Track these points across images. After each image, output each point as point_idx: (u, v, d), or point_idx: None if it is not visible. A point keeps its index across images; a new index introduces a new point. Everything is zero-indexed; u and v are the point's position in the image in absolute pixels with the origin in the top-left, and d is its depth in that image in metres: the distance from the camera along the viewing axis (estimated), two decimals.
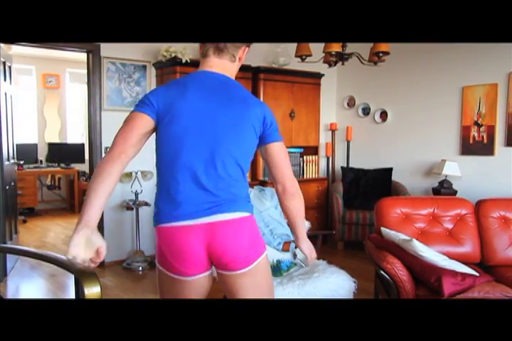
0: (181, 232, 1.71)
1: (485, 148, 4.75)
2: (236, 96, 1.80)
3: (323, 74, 5.53)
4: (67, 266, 1.47)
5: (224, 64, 1.85)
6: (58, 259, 1.55)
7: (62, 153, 7.76)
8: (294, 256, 3.16)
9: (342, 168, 5.77)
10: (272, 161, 1.87)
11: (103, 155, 4.54)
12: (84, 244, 1.48)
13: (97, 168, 1.63)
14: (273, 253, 3.10)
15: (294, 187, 1.90)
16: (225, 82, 1.83)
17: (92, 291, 1.32)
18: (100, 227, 4.62)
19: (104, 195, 1.58)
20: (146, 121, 1.72)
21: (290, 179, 1.89)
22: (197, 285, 1.79)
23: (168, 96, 1.76)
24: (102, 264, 4.62)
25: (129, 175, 4.50)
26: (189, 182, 1.72)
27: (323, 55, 3.79)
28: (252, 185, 4.21)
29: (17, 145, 4.96)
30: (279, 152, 1.86)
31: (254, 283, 1.79)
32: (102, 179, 1.59)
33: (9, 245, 3.91)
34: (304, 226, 2.05)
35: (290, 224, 2.03)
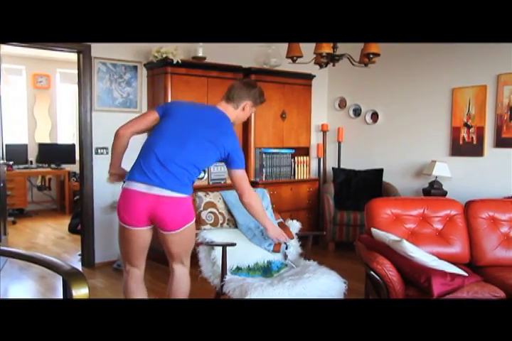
0: (137, 195, 2.48)
1: (474, 149, 4.79)
2: (220, 129, 2.62)
3: (315, 76, 5.54)
4: (54, 267, 1.46)
5: (228, 108, 2.71)
6: (46, 260, 1.53)
7: (53, 153, 7.71)
8: (285, 256, 3.16)
9: (333, 168, 5.78)
10: (233, 181, 2.71)
11: (94, 155, 4.54)
12: (113, 174, 2.76)
13: (113, 141, 2.64)
14: (264, 254, 3.10)
15: (248, 199, 2.69)
16: (219, 117, 2.67)
17: (80, 293, 1.32)
18: (90, 228, 4.60)
19: (119, 155, 2.69)
20: (153, 115, 2.65)
21: (246, 194, 2.68)
22: (138, 233, 2.56)
23: (176, 106, 2.70)
24: (92, 265, 4.60)
25: None
26: (156, 161, 2.49)
27: (314, 56, 3.80)
28: None
29: (6, 145, 4.94)
30: (238, 176, 2.67)
31: (180, 239, 2.60)
32: (115, 148, 2.66)
33: None
34: (266, 220, 2.83)
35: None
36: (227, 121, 2.69)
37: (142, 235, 2.57)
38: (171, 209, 2.47)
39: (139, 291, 2.69)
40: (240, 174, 2.67)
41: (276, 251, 3.14)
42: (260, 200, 2.84)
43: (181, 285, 2.74)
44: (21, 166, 7.35)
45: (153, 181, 2.46)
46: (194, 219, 2.65)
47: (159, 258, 3.76)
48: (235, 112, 2.72)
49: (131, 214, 2.49)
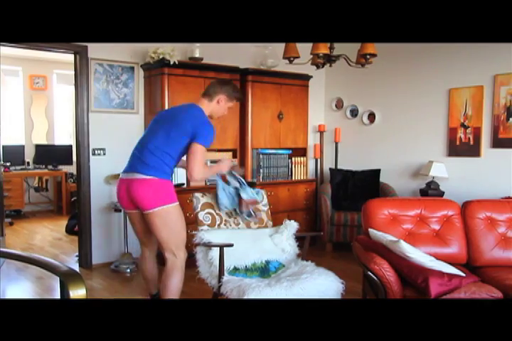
0: (120, 183, 3.03)
1: (471, 149, 4.80)
2: (187, 115, 2.96)
3: (312, 76, 5.55)
4: (52, 268, 1.46)
5: (204, 102, 3.07)
6: (43, 261, 1.53)
7: (50, 154, 7.69)
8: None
9: (330, 169, 5.79)
10: (187, 153, 2.90)
11: (91, 156, 4.53)
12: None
13: None
14: (262, 255, 3.10)
15: (194, 180, 2.96)
16: (190, 107, 3.04)
17: (78, 294, 1.31)
18: (88, 229, 4.59)
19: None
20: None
21: (193, 173, 2.85)
22: (132, 215, 3.10)
23: (159, 112, 3.35)
24: (89, 266, 4.59)
25: (117, 176, 4.47)
26: (134, 155, 3.02)
27: (311, 57, 3.80)
28: None
29: (3, 146, 4.92)
30: (193, 150, 2.86)
31: (159, 221, 2.91)
32: None
33: None
34: (214, 170, 3.17)
35: None
36: (199, 110, 2.99)
37: (136, 217, 3.07)
38: (140, 188, 2.87)
39: (148, 269, 3.23)
40: (195, 147, 2.86)
41: (225, 181, 3.21)
42: (203, 171, 2.93)
43: (170, 275, 2.96)
44: (18, 167, 7.33)
45: (131, 168, 2.97)
46: (174, 204, 2.94)
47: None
48: (210, 105, 3.05)
49: (120, 199, 3.04)
